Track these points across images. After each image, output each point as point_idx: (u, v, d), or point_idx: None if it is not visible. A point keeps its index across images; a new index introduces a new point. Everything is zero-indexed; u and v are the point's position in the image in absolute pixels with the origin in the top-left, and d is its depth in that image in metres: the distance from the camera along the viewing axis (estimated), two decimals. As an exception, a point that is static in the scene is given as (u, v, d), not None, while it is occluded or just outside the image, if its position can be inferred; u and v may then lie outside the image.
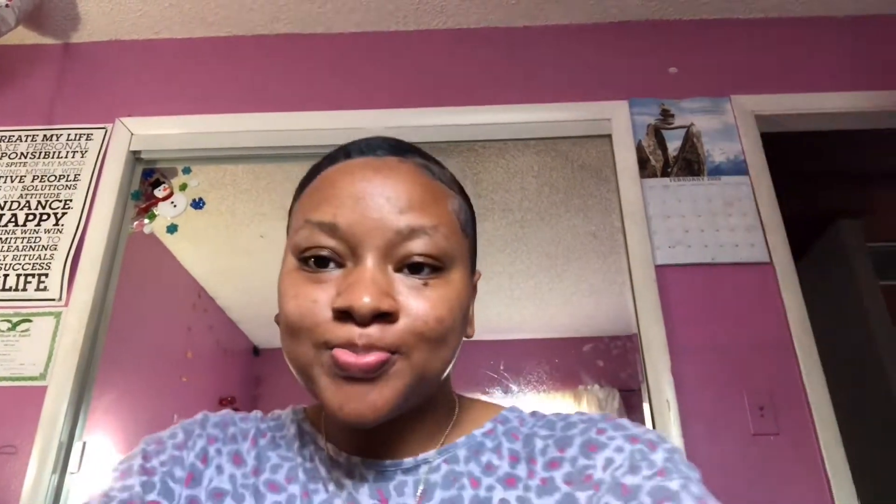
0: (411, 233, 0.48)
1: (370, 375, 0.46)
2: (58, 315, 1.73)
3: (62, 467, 1.61)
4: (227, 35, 2.15)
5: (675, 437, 1.53)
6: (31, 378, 1.67)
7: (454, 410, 0.59)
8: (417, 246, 0.49)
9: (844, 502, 1.47)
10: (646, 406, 1.63)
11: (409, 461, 0.54)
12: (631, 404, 1.74)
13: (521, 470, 0.53)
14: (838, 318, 2.99)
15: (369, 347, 0.46)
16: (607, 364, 1.80)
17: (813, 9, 2.07)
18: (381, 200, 0.49)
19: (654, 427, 1.58)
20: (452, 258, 0.51)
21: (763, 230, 1.76)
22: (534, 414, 0.59)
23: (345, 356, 0.46)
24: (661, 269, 1.73)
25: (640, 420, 1.65)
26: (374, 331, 0.46)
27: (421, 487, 0.52)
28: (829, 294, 3.04)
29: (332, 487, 0.53)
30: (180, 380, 2.21)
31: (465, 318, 0.53)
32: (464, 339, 0.55)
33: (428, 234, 0.49)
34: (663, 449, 0.49)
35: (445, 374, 0.52)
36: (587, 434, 0.53)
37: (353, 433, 0.55)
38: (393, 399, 0.47)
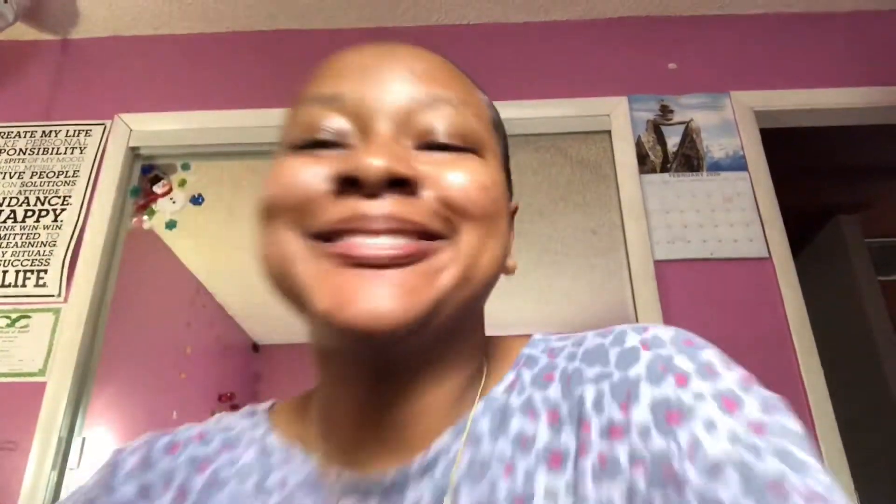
0: (433, 102, 0.39)
1: (397, 262, 0.34)
2: (57, 311, 1.73)
3: (62, 463, 1.61)
4: (226, 31, 2.14)
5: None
6: (30, 374, 1.67)
7: (483, 370, 0.44)
8: (441, 119, 0.38)
9: (842, 497, 1.48)
10: (645, 401, 1.63)
11: (416, 464, 0.38)
12: (630, 400, 1.74)
13: (568, 438, 0.37)
14: (837, 313, 3.00)
15: (388, 221, 0.34)
16: (606, 359, 1.81)
17: (812, 5, 2.07)
18: (395, 68, 0.39)
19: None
20: (484, 144, 0.40)
21: (762, 225, 1.76)
22: (566, 337, 0.45)
23: (350, 243, 0.34)
24: (660, 265, 1.73)
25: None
26: (394, 200, 0.35)
27: (447, 501, 0.37)
28: (827, 289, 3.04)
29: None
30: (179, 376, 2.21)
31: (503, 218, 0.41)
32: (502, 275, 0.42)
33: (453, 107, 0.39)
34: (743, 389, 0.37)
35: (491, 279, 0.40)
36: (664, 394, 0.36)
37: (348, 422, 0.40)
38: (428, 297, 0.34)
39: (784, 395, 1.48)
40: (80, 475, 1.63)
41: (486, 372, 0.43)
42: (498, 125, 0.46)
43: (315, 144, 0.38)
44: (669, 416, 0.34)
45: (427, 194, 0.36)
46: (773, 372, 1.61)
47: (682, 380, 0.36)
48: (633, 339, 0.40)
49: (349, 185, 0.35)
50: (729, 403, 0.35)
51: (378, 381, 0.39)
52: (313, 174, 0.36)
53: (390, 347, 0.36)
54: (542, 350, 0.44)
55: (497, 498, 0.36)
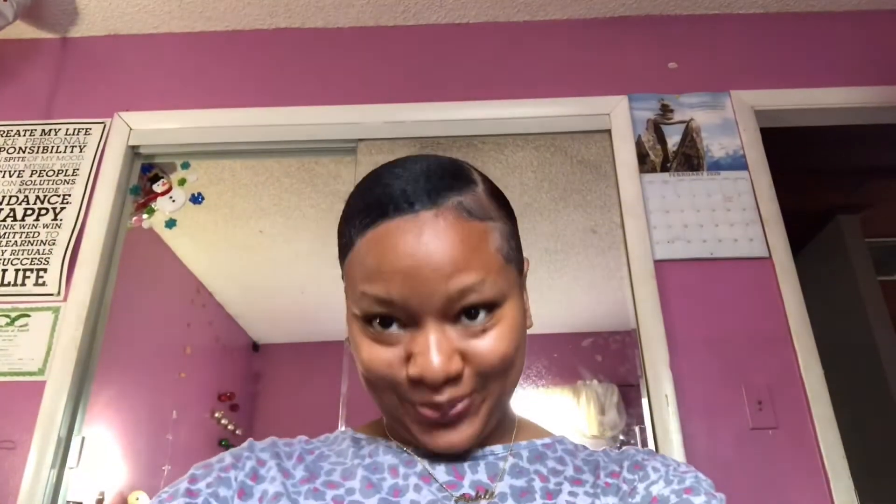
0: (461, 294, 0.51)
1: (458, 420, 0.53)
2: (56, 310, 1.73)
3: (61, 462, 1.61)
4: (225, 29, 2.14)
5: (674, 432, 1.53)
6: (29, 373, 1.67)
7: (514, 423, 0.64)
8: (469, 301, 0.52)
9: (842, 495, 1.48)
10: (644, 401, 1.63)
11: (477, 451, 0.59)
12: (630, 399, 1.74)
13: (587, 476, 0.59)
14: (837, 312, 3.00)
15: (449, 403, 0.52)
16: (606, 359, 1.80)
17: (812, 4, 2.07)
18: (428, 272, 0.51)
19: (652, 422, 1.58)
20: (503, 295, 0.54)
21: (762, 225, 1.76)
22: (585, 447, 0.65)
23: (431, 414, 0.53)
24: (660, 264, 1.73)
25: (639, 414, 1.66)
26: (449, 390, 0.52)
27: (495, 471, 0.58)
28: (827, 289, 3.04)
29: (402, 469, 0.57)
30: (179, 375, 2.21)
31: (523, 327, 0.58)
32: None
33: (475, 290, 0.52)
34: (694, 475, 0.57)
35: (516, 382, 0.58)
36: (634, 458, 0.60)
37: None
38: (480, 428, 0.55)
39: (784, 394, 1.49)
40: (79, 474, 1.63)
41: (517, 424, 0.64)
42: (510, 249, 0.57)
43: (381, 320, 0.53)
44: (636, 466, 0.59)
45: (467, 372, 0.52)
46: (773, 372, 1.61)
47: (645, 460, 0.60)
48: (637, 456, 0.61)
49: (420, 381, 0.52)
50: (669, 466, 0.59)
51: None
52: (391, 364, 0.53)
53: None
54: (571, 443, 0.64)
55: (534, 487, 0.56)
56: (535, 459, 0.60)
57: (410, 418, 0.55)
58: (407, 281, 0.51)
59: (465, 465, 0.58)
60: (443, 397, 0.52)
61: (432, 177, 0.55)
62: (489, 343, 0.53)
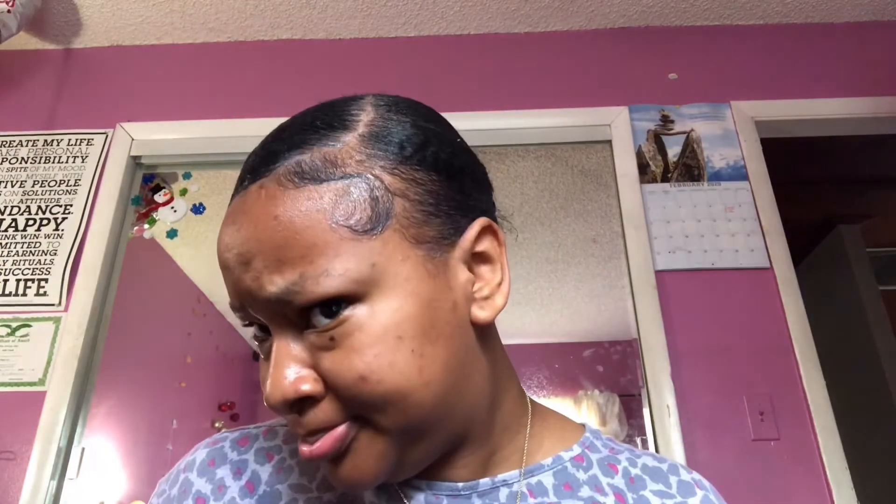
0: (280, 298, 0.38)
1: (329, 457, 0.40)
2: (57, 320, 1.73)
3: (61, 473, 1.61)
4: (227, 41, 2.15)
5: (676, 443, 1.52)
6: (30, 383, 1.66)
7: (526, 418, 0.51)
8: (298, 304, 0.38)
9: (845, 508, 1.47)
10: (646, 411, 1.63)
11: (485, 482, 0.46)
12: (631, 409, 1.73)
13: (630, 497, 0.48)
14: (838, 322, 2.99)
15: (313, 433, 0.40)
16: (607, 369, 1.80)
17: (812, 16, 2.08)
18: (239, 268, 0.39)
19: (654, 432, 1.57)
20: (355, 283, 0.38)
21: (763, 235, 1.76)
22: (611, 440, 0.55)
23: (302, 448, 0.40)
24: (661, 275, 1.73)
25: (641, 425, 1.65)
26: (308, 417, 0.40)
27: None
28: (829, 299, 3.04)
29: (385, 500, 0.46)
30: (179, 385, 2.20)
31: (429, 326, 0.40)
32: (479, 324, 0.44)
33: (297, 291, 0.38)
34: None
35: (442, 401, 0.41)
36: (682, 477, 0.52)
37: None
38: (376, 466, 0.40)
39: (786, 405, 1.48)
40: (79, 485, 1.62)
41: (529, 429, 0.50)
42: (385, 201, 0.40)
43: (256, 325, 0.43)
44: None
45: (329, 396, 0.39)
46: (775, 382, 1.60)
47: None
48: (686, 475, 0.52)
49: None
50: None
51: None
52: (263, 379, 0.42)
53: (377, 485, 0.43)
54: (602, 444, 0.53)
55: None
56: (562, 488, 0.47)
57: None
58: (230, 279, 0.41)
59: None
60: (302, 429, 0.40)
61: (285, 133, 0.43)
62: (341, 357, 0.38)
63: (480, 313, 0.43)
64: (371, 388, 0.38)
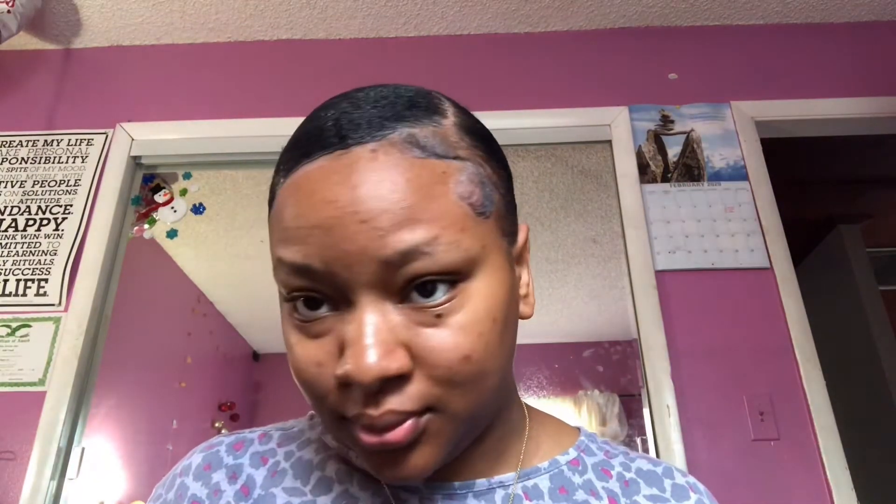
0: (404, 258, 0.37)
1: (402, 446, 0.38)
2: (57, 320, 1.73)
3: (61, 473, 1.61)
4: (227, 41, 2.15)
5: (676, 443, 1.53)
6: (30, 384, 1.66)
7: (525, 421, 0.51)
8: (416, 270, 0.37)
9: (845, 508, 1.47)
10: (646, 411, 1.63)
11: (482, 482, 0.46)
12: (631, 409, 1.73)
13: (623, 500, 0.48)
14: (838, 323, 2.99)
15: (387, 419, 0.37)
16: (607, 369, 1.80)
17: (812, 15, 2.08)
18: (355, 226, 0.37)
19: (654, 432, 1.57)
20: (470, 261, 0.39)
21: (763, 235, 1.76)
22: (606, 443, 0.54)
23: (366, 438, 0.38)
24: (661, 275, 1.73)
25: (641, 425, 1.65)
26: (389, 399, 0.37)
27: None
28: (829, 299, 3.04)
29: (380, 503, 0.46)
30: (179, 385, 2.20)
31: (507, 315, 0.41)
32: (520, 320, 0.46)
33: (426, 253, 0.37)
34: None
35: (498, 388, 0.42)
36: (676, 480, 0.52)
37: None
38: (438, 456, 0.39)
39: (786, 405, 1.48)
40: (79, 485, 1.62)
41: (527, 428, 0.50)
42: (485, 196, 0.42)
43: (306, 300, 0.40)
44: None
45: (417, 377, 0.38)
46: (775, 382, 1.60)
47: None
48: (680, 479, 0.52)
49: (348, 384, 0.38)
50: None
51: None
52: (318, 361, 0.39)
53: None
54: (598, 447, 0.52)
55: None
56: (557, 492, 0.47)
57: (352, 441, 0.40)
58: (328, 239, 0.37)
59: None
60: (377, 411, 0.37)
61: (381, 103, 0.41)
62: (447, 335, 0.38)
63: (526, 309, 0.46)
64: (471, 368, 0.38)
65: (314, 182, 0.38)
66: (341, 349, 0.38)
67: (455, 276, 0.38)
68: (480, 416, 0.41)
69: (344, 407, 0.38)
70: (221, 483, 0.49)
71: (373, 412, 0.37)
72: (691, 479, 0.53)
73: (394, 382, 0.37)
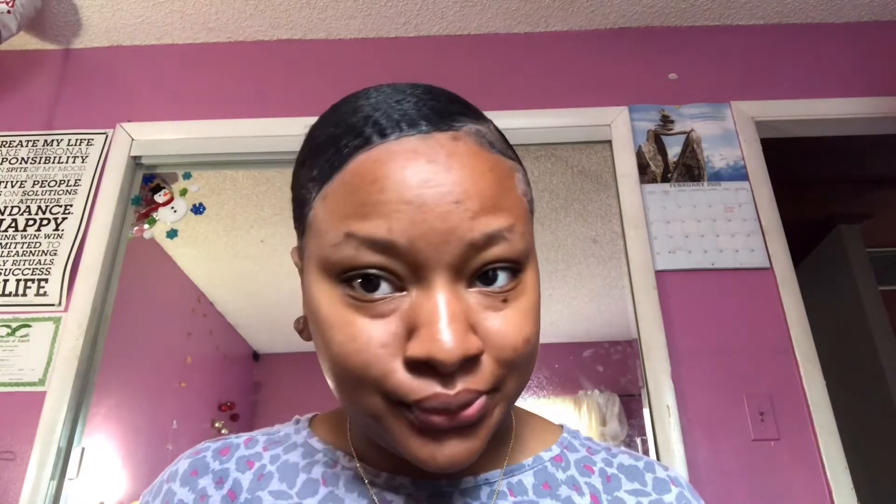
0: (488, 242, 0.38)
1: (472, 422, 0.39)
2: (57, 320, 1.73)
3: (61, 473, 1.61)
4: (227, 41, 2.15)
5: (676, 443, 1.52)
6: (30, 384, 1.66)
7: (511, 420, 0.52)
8: (494, 254, 0.39)
9: (845, 508, 1.47)
10: (646, 411, 1.63)
11: (468, 480, 0.47)
12: (631, 409, 1.74)
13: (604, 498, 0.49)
14: (838, 322, 2.99)
15: (462, 399, 0.37)
16: (607, 369, 1.80)
17: (812, 15, 2.08)
18: (448, 205, 0.37)
19: (654, 432, 1.57)
20: (528, 255, 0.41)
21: (763, 235, 1.76)
22: (589, 439, 0.55)
23: (437, 419, 0.38)
24: (661, 275, 1.73)
25: (641, 425, 1.65)
26: (463, 380, 0.38)
27: None
28: (828, 299, 3.04)
29: None
30: (179, 385, 2.20)
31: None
32: None
33: (505, 238, 0.39)
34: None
35: None
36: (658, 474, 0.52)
37: (392, 458, 0.47)
38: (488, 436, 0.40)
39: (786, 405, 1.48)
40: (79, 485, 1.62)
41: (514, 428, 0.51)
42: (529, 187, 0.46)
43: (363, 280, 0.39)
44: None
45: (486, 360, 0.39)
46: (775, 382, 1.60)
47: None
48: (661, 472, 0.52)
49: (424, 365, 0.37)
50: None
51: None
52: (382, 342, 0.38)
53: None
54: (580, 443, 0.53)
55: None
56: (542, 487, 0.48)
57: (403, 423, 0.39)
58: (419, 216, 0.37)
59: None
60: (453, 390, 0.37)
61: (438, 97, 0.42)
62: (513, 319, 0.39)
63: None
64: (529, 351, 0.40)
65: (400, 160, 0.38)
66: (410, 331, 0.38)
67: (518, 265, 0.40)
68: (516, 399, 0.43)
69: (411, 390, 0.37)
70: (208, 488, 0.49)
71: (449, 391, 0.37)
72: (672, 472, 0.53)
73: (468, 363, 0.38)
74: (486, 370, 0.38)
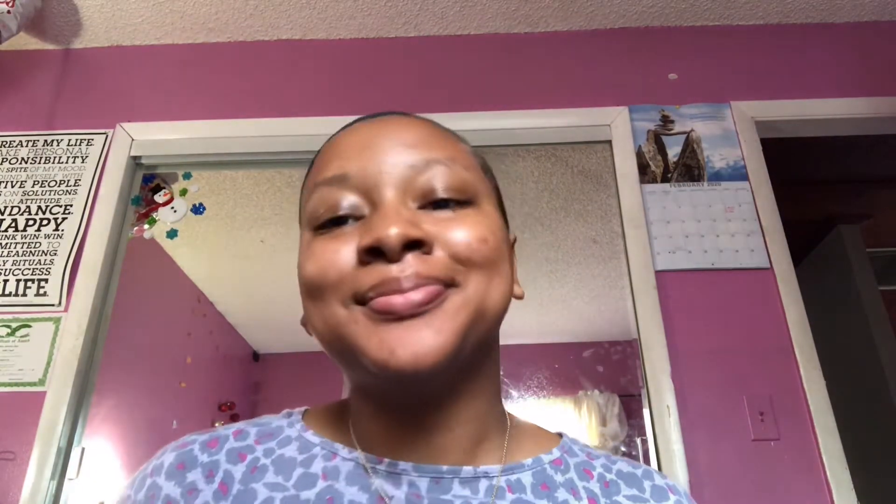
0: (427, 165, 0.45)
1: (421, 310, 0.41)
2: (57, 320, 1.73)
3: (61, 473, 1.61)
4: (227, 41, 2.15)
5: (676, 443, 1.52)
6: (30, 384, 1.66)
7: (506, 418, 0.53)
8: (437, 177, 0.45)
9: (845, 508, 1.47)
10: (646, 411, 1.63)
11: (467, 470, 0.47)
12: (631, 410, 1.74)
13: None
14: (838, 322, 2.99)
15: (414, 279, 0.41)
16: (607, 369, 1.80)
17: (812, 15, 2.08)
18: (389, 143, 0.46)
19: (654, 432, 1.57)
20: (478, 192, 0.47)
21: (763, 235, 1.76)
22: (588, 447, 0.57)
23: (387, 300, 0.40)
24: (661, 275, 1.72)
25: (641, 425, 1.65)
26: (414, 266, 0.41)
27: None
28: (829, 299, 3.04)
29: (366, 500, 0.45)
30: (179, 385, 2.20)
31: (504, 250, 0.48)
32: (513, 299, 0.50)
33: (445, 165, 0.46)
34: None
35: (500, 310, 0.47)
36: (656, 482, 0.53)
37: (394, 429, 0.48)
38: (453, 334, 0.41)
39: (786, 405, 1.48)
40: (79, 485, 1.62)
41: (509, 429, 0.52)
42: (486, 169, 0.53)
43: (333, 222, 0.45)
44: None
45: (438, 253, 0.43)
46: (775, 382, 1.60)
47: None
48: (659, 480, 0.53)
49: (373, 254, 0.42)
50: None
51: (415, 415, 0.47)
52: (340, 254, 0.43)
53: (428, 383, 0.44)
54: (580, 449, 0.55)
55: None
56: (540, 489, 0.48)
57: (359, 325, 0.42)
58: (365, 152, 0.46)
59: (452, 496, 0.46)
60: (405, 271, 0.41)
61: (411, 115, 0.53)
62: (464, 226, 0.44)
63: (518, 290, 0.52)
64: (487, 250, 0.44)
65: (359, 127, 0.49)
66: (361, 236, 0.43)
67: (464, 199, 0.46)
68: (489, 315, 0.45)
69: (365, 279, 0.42)
70: (198, 482, 0.48)
71: (398, 273, 0.41)
72: (670, 480, 0.54)
73: (418, 251, 0.42)
74: (439, 259, 0.43)
